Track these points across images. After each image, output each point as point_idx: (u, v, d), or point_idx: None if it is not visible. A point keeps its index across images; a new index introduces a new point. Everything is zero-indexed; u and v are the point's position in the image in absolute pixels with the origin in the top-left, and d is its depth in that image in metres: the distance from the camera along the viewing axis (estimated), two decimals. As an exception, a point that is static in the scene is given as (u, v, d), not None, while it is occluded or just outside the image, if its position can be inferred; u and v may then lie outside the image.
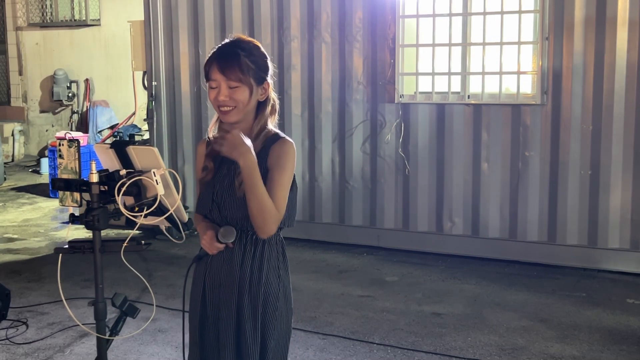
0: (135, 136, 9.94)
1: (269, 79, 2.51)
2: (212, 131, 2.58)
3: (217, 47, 2.48)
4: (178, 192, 2.21)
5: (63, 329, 4.76)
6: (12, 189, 9.95)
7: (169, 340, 4.56)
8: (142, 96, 9.52)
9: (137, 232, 2.26)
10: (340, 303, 5.25)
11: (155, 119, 7.53)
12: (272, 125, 2.54)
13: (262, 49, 2.51)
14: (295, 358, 4.29)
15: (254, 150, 2.41)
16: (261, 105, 2.49)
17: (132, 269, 2.47)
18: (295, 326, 4.73)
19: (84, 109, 12.10)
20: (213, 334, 2.53)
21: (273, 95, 2.54)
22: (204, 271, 2.57)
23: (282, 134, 2.50)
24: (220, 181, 2.49)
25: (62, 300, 2.50)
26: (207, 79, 2.44)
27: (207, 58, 2.46)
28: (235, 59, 2.40)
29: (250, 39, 2.52)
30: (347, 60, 6.65)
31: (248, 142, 2.32)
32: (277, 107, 2.57)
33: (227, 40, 2.49)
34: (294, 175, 2.50)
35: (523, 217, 6.11)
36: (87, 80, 12.12)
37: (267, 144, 2.45)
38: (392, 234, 6.61)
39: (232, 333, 2.49)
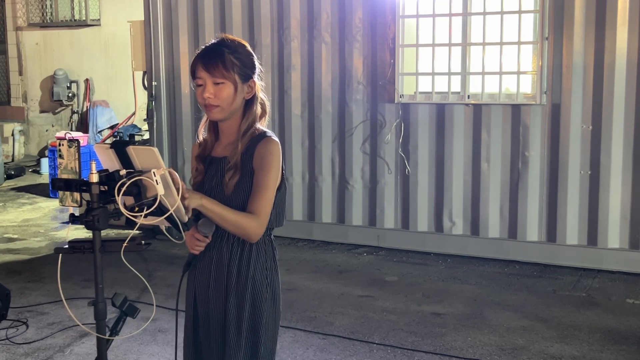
0: (135, 136, 9.95)
1: (256, 78, 2.51)
2: (201, 132, 2.62)
3: (202, 46, 2.51)
4: (178, 193, 2.21)
5: (63, 329, 4.76)
6: (12, 189, 9.95)
7: (169, 340, 4.56)
8: (142, 96, 9.52)
9: (137, 232, 2.26)
10: (340, 303, 5.25)
11: (155, 119, 7.53)
12: (262, 126, 2.54)
13: (248, 48, 2.52)
14: (295, 358, 4.29)
15: (240, 149, 2.45)
16: (248, 104, 2.51)
17: (132, 269, 2.47)
18: (295, 326, 4.74)
19: (84, 109, 12.10)
20: (204, 333, 2.56)
21: (262, 95, 2.55)
22: (194, 271, 2.60)
23: (268, 133, 2.51)
24: (209, 181, 2.52)
25: (62, 300, 2.50)
26: (193, 77, 2.47)
27: (193, 58, 2.49)
28: (219, 56, 2.43)
29: (236, 38, 2.53)
30: (347, 60, 6.65)
31: (192, 194, 2.29)
32: (268, 108, 2.58)
33: (213, 40, 2.52)
34: (283, 174, 2.51)
35: (523, 217, 6.11)
36: (87, 80, 12.12)
37: (253, 144, 2.46)
38: (392, 234, 6.61)
39: (219, 332, 2.52)
